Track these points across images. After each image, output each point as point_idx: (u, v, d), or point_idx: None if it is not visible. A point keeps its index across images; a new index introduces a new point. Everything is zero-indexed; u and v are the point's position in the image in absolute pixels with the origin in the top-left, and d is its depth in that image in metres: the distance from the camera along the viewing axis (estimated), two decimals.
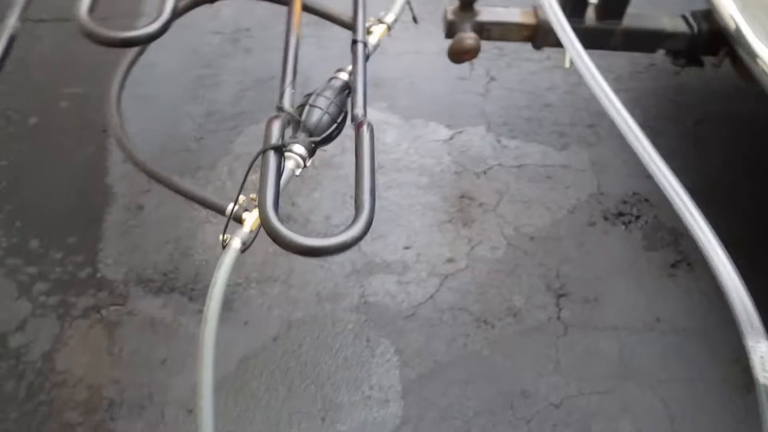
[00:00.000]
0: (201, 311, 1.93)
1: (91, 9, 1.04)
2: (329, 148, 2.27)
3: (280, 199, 1.00)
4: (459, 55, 1.93)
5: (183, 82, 2.48)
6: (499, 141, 2.31)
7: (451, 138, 2.32)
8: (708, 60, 1.92)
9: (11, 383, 1.80)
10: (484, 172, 2.21)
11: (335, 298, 1.93)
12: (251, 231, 1.08)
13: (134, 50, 1.50)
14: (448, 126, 2.35)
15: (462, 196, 2.16)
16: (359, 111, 1.16)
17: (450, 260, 2.00)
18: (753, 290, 1.06)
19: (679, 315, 1.85)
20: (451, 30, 1.94)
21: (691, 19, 1.89)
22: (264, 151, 1.05)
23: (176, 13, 1.08)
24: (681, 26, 1.89)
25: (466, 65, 2.50)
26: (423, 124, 2.36)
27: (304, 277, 1.97)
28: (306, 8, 1.42)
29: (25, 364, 1.83)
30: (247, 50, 2.60)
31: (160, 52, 2.40)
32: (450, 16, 1.93)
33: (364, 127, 1.09)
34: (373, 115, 2.35)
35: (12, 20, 1.14)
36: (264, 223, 0.94)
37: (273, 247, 1.97)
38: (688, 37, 1.88)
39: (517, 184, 2.18)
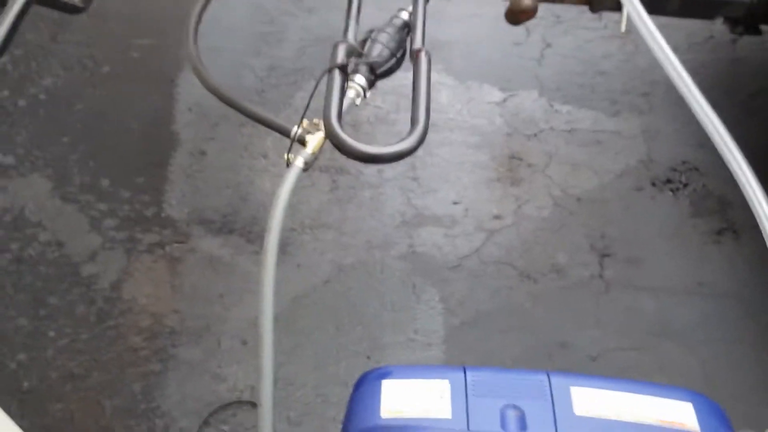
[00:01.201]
0: (257, 252, 2.06)
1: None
2: (384, 105, 2.36)
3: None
4: (516, 15, 1.96)
5: (246, 36, 2.58)
6: (551, 105, 2.34)
7: (504, 101, 2.37)
8: (766, 29, 1.92)
9: (82, 308, 1.94)
10: (535, 135, 2.26)
11: (385, 246, 2.02)
12: (313, 153, 1.16)
13: None
14: (502, 89, 2.40)
15: (512, 157, 2.21)
16: (418, 45, 1.23)
17: (497, 217, 2.06)
18: None
19: (721, 280, 1.88)
20: None
21: None
22: (330, 70, 1.12)
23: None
24: None
25: (522, 31, 2.53)
26: (477, 86, 2.41)
27: (356, 225, 2.06)
28: None
29: (95, 291, 1.98)
30: (310, 9, 2.68)
31: (224, 7, 2.49)
32: None
33: (422, 54, 1.17)
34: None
35: None
36: (328, 131, 1.02)
37: (327, 197, 2.08)
38: (747, 4, 1.88)
39: (567, 148, 2.22)
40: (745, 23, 1.91)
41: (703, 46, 2.50)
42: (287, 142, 2.30)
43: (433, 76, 2.43)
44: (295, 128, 1.20)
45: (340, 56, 1.14)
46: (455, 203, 2.10)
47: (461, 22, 2.59)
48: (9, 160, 2.25)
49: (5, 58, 2.56)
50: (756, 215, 1.19)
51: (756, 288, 1.85)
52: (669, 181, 2.12)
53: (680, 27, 2.35)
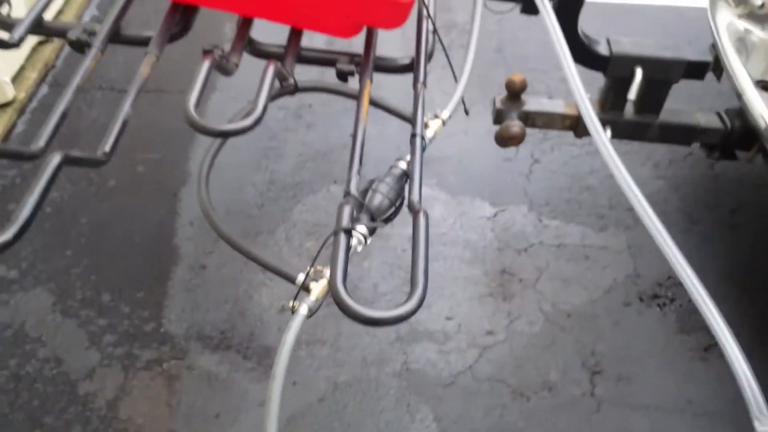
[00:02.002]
0: (254, 368, 2.09)
1: (197, 104, 1.23)
2: None
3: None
4: (505, 140, 2.09)
5: (249, 152, 2.69)
6: (540, 220, 2.43)
7: (495, 215, 2.46)
8: (741, 154, 2.03)
9: (78, 428, 1.95)
10: (525, 250, 2.34)
11: (380, 363, 2.05)
12: (317, 299, 1.22)
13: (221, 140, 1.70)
14: (493, 204, 2.49)
15: (503, 272, 2.28)
16: (415, 197, 1.31)
17: (489, 332, 2.10)
18: None
19: (710, 398, 1.91)
20: (499, 117, 2.10)
21: (725, 116, 2.02)
22: (336, 233, 1.19)
23: (266, 109, 1.26)
24: (715, 122, 2.01)
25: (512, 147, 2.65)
26: (469, 201, 2.51)
27: (351, 341, 2.10)
28: (373, 103, 1.60)
29: (91, 410, 1.99)
30: (309, 125, 2.81)
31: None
32: (498, 105, 2.09)
33: (421, 215, 1.23)
34: (423, 191, 2.52)
35: (125, 107, 1.34)
36: (334, 295, 1.08)
37: (323, 311, 2.11)
38: (722, 132, 2.00)
39: (557, 263, 2.29)
40: (721, 149, 2.03)
41: (683, 163, 2.62)
42: (286, 253, 2.38)
43: (426, 191, 2.55)
44: (301, 276, 1.26)
45: (345, 219, 1.21)
46: (448, 318, 2.14)
47: (452, 138, 2.72)
48: (13, 274, 2.31)
49: (14, 172, 2.67)
50: (718, 341, 1.25)
51: (742, 407, 1.87)
52: (656, 296, 2.18)
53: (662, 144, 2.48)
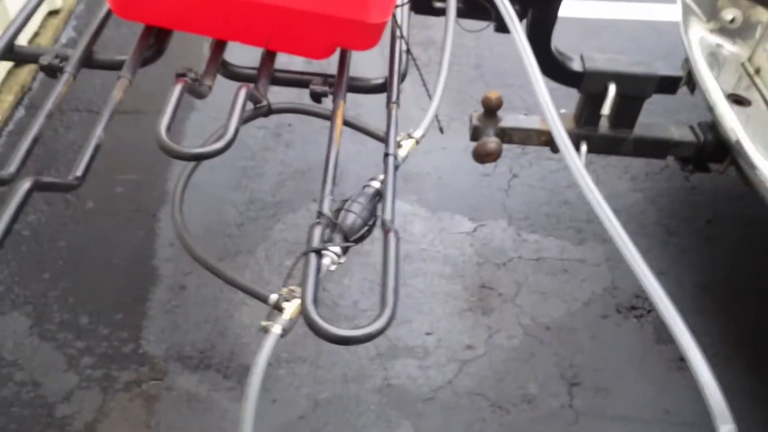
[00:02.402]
0: (234, 388, 2.08)
1: (169, 128, 1.23)
2: None
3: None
4: (482, 157, 2.11)
5: (228, 172, 2.70)
6: (519, 234, 2.45)
7: (474, 230, 2.47)
8: (714, 167, 2.07)
9: None
10: (504, 264, 2.35)
11: (360, 379, 2.05)
12: (290, 319, 1.22)
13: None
14: (472, 219, 2.51)
15: (482, 286, 2.29)
16: (388, 216, 1.32)
17: (469, 347, 2.11)
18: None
19: (687, 408, 1.93)
20: (475, 134, 2.12)
21: (697, 129, 2.05)
22: (307, 253, 1.20)
23: (238, 132, 1.26)
24: (688, 136, 2.05)
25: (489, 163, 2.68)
26: (448, 216, 2.53)
27: (332, 359, 2.10)
28: (346, 123, 1.61)
29: None
30: (288, 144, 2.82)
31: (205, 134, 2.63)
32: (475, 122, 2.12)
33: (391, 235, 1.24)
34: (402, 207, 2.54)
35: (98, 131, 1.34)
36: (305, 315, 1.08)
37: (303, 329, 2.12)
38: (695, 145, 2.03)
39: (535, 276, 2.31)
40: (694, 162, 2.06)
41: (659, 175, 2.65)
42: (266, 272, 2.38)
43: (406, 207, 2.57)
44: (273, 296, 1.26)
45: (316, 239, 1.21)
46: (428, 334, 2.15)
47: (431, 154, 2.74)
48: None
49: None
50: (681, 349, 1.25)
51: None
52: (633, 307, 2.20)
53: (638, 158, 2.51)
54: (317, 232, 1.22)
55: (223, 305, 2.26)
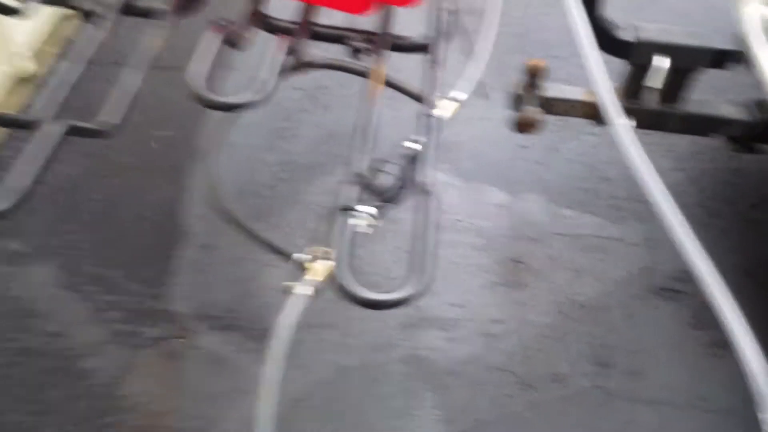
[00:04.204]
0: (259, 350, 2.06)
1: (206, 77, 1.20)
2: None
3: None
4: (523, 127, 2.04)
5: (263, 132, 2.67)
6: (555, 210, 2.38)
7: (509, 203, 2.41)
8: (765, 148, 1.97)
9: (84, 403, 1.95)
10: (539, 239, 2.29)
11: (387, 348, 2.02)
12: (320, 280, 1.19)
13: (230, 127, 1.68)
14: (507, 191, 2.45)
15: (515, 260, 2.24)
16: (427, 179, 1.28)
17: (498, 321, 2.07)
18: None
19: (722, 395, 1.86)
20: (517, 104, 2.05)
21: (751, 108, 1.95)
22: (337, 211, 1.16)
23: (275, 85, 1.22)
24: (740, 114, 1.95)
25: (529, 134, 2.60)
26: (483, 188, 2.47)
27: (360, 326, 2.07)
28: (386, 82, 1.56)
29: (96, 387, 1.99)
30: (325, 107, 2.78)
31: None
32: (517, 91, 2.05)
33: (431, 198, 1.20)
34: (437, 176, 2.48)
35: (136, 79, 1.31)
36: (336, 276, 1.05)
37: (332, 294, 2.10)
38: (747, 124, 1.94)
39: (570, 253, 2.25)
40: (744, 142, 1.97)
41: (704, 155, 2.55)
42: (297, 236, 2.36)
43: (441, 176, 2.51)
44: (298, 255, 1.23)
45: (350, 197, 1.17)
46: (458, 306, 2.11)
47: (470, 124, 2.67)
48: (23, 247, 2.31)
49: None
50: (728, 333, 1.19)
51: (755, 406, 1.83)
52: (671, 290, 2.13)
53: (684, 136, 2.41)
54: (351, 189, 1.19)
55: (251, 266, 2.24)
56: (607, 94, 1.41)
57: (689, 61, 1.85)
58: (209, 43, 1.28)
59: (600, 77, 1.44)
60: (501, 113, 2.46)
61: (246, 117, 2.72)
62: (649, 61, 1.85)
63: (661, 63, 1.81)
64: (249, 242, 2.32)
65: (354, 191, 1.21)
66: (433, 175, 1.27)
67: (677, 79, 1.88)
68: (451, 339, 2.03)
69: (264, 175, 2.52)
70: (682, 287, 2.13)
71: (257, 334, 2.09)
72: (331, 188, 2.54)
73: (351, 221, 1.16)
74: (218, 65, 1.36)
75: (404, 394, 1.91)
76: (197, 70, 1.20)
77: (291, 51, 1.39)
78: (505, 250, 2.27)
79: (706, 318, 2.04)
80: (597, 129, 2.55)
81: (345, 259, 1.07)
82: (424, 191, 1.23)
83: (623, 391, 1.89)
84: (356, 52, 1.48)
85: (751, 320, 2.06)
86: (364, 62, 1.56)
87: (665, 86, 1.89)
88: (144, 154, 2.61)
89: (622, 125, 1.41)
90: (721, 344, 1.97)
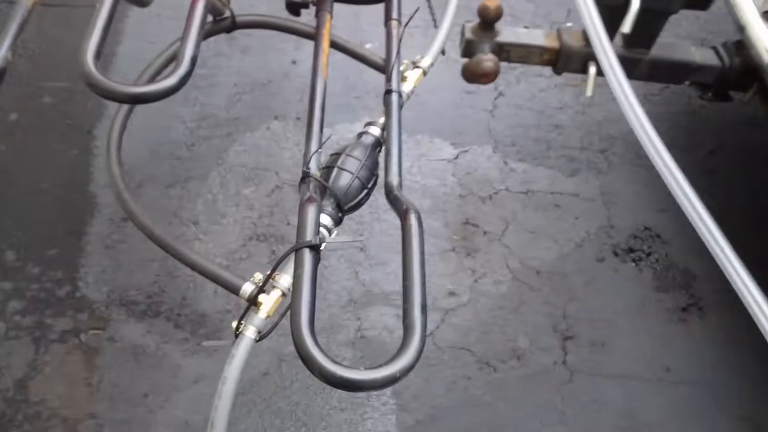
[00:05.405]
0: (187, 339, 1.84)
1: (98, 55, 0.90)
2: None
3: None
4: (476, 77, 1.81)
5: None
6: (506, 163, 2.20)
7: (456, 157, 2.21)
8: (737, 96, 1.82)
9: None
10: (490, 197, 2.11)
11: (331, 330, 1.83)
12: (268, 317, 0.96)
13: None
14: (453, 144, 2.24)
15: (466, 222, 2.06)
16: (394, 180, 1.04)
17: (452, 293, 1.90)
18: None
19: (688, 365, 1.78)
20: (468, 50, 1.82)
21: (722, 52, 1.78)
22: (298, 249, 0.90)
23: (196, 60, 0.94)
24: (711, 59, 1.78)
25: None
26: (427, 140, 2.25)
27: None
28: (334, 45, 1.28)
29: None
30: (244, 50, 2.45)
31: (149, 45, 2.24)
32: (468, 35, 1.81)
33: (411, 217, 0.94)
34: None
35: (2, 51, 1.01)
36: (299, 347, 0.80)
37: (266, 269, 1.88)
38: (718, 70, 1.77)
39: (524, 212, 2.08)
40: (715, 89, 1.81)
41: (658, 98, 2.40)
42: (220, 202, 2.09)
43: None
44: (247, 286, 1.00)
45: (310, 228, 0.91)
46: None
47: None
48: None
49: None
50: (737, 290, 1.09)
51: (722, 374, 1.75)
52: (631, 249, 2.00)
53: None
54: (311, 213, 0.92)
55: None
56: (602, 43, 1.22)
57: (663, 2, 1.65)
58: (102, 5, 0.98)
59: (593, 19, 1.24)
60: (447, 57, 2.22)
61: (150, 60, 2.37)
62: (618, 1, 1.64)
63: (633, 4, 1.60)
64: (166, 212, 2.05)
65: (317, 217, 0.95)
66: (401, 171, 1.04)
67: (647, 21, 1.67)
68: (401, 316, 1.84)
69: (180, 133, 2.22)
70: (642, 246, 2.01)
71: (184, 320, 1.86)
72: (256, 145, 2.28)
73: (316, 262, 0.91)
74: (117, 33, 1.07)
75: None
76: (88, 46, 0.91)
77: (213, 9, 1.10)
78: (454, 211, 2.07)
79: (668, 280, 1.94)
80: (545, 71, 2.35)
81: (307, 317, 0.82)
82: (404, 211, 0.98)
83: (586, 366, 1.77)
84: (294, 6, 1.20)
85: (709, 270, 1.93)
86: (304, 20, 1.28)
87: (633, 30, 1.68)
88: (35, 111, 2.24)
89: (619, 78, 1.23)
90: (686, 308, 1.88)
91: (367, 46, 2.01)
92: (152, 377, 1.74)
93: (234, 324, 0.98)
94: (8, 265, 1.93)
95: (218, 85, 2.36)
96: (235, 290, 1.02)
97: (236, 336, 0.96)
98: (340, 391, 1.72)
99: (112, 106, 2.29)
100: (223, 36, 2.48)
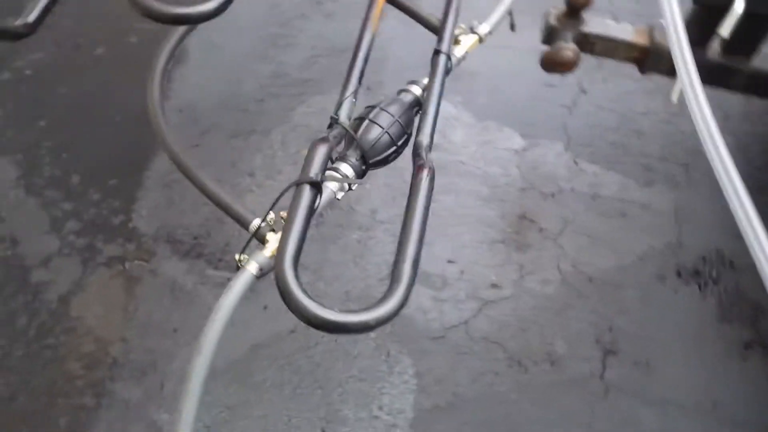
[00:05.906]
0: (223, 284, 1.84)
1: None
2: None
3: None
4: (554, 65, 1.74)
5: (255, 37, 2.36)
6: (576, 162, 2.09)
7: (524, 149, 2.12)
8: None
9: (24, 319, 1.75)
10: (552, 195, 2.01)
11: (364, 300, 1.79)
12: (272, 256, 0.94)
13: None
14: (523, 135, 2.15)
15: (522, 216, 1.97)
16: (425, 140, 0.99)
17: (494, 285, 1.82)
18: None
19: (739, 404, 1.63)
20: (550, 36, 1.74)
21: None
22: (298, 184, 0.88)
23: None
24: None
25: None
26: (496, 127, 2.17)
27: (336, 271, 1.84)
28: (391, 1, 1.26)
29: (40, 302, 1.79)
30: (328, 15, 2.45)
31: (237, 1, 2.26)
32: (552, 21, 1.73)
33: (424, 173, 0.91)
34: (445, 108, 2.18)
35: None
36: (278, 279, 0.78)
37: (310, 231, 1.85)
38: None
39: (586, 215, 1.97)
40: None
41: (756, 118, 2.22)
42: (279, 159, 2.09)
43: (450, 109, 2.20)
44: (256, 222, 0.98)
45: (315, 166, 0.89)
46: (450, 262, 1.86)
47: (490, 51, 2.31)
48: None
49: None
50: None
51: None
52: (697, 273, 1.86)
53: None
54: (320, 153, 0.90)
55: (229, 190, 1.98)
56: (681, 40, 1.12)
57: None
58: None
59: (675, 19, 1.14)
60: (529, 44, 2.13)
61: (235, 15, 2.39)
62: (719, 1, 1.51)
63: (735, 6, 1.47)
64: (226, 160, 2.07)
65: (326, 157, 0.93)
66: (433, 135, 0.99)
67: (750, 26, 1.54)
68: (438, 299, 1.79)
69: (251, 87, 2.23)
70: (710, 271, 1.86)
71: (223, 265, 1.87)
72: (324, 108, 2.25)
73: (313, 200, 0.88)
74: None
75: (377, 355, 1.69)
76: None
77: None
78: (512, 203, 1.99)
79: (734, 311, 1.79)
80: (635, 73, 2.22)
81: (291, 257, 0.80)
82: (420, 161, 0.95)
83: (625, 384, 1.65)
84: None
85: None
86: None
87: (732, 35, 1.55)
88: (121, 48, 2.31)
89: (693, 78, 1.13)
90: (748, 344, 1.73)
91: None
92: (184, 314, 1.76)
93: (237, 256, 0.96)
94: (72, 188, 2.00)
95: (297, 45, 2.36)
96: (245, 224, 1.01)
97: (237, 267, 0.94)
98: (363, 361, 1.69)
99: (193, 50, 2.36)
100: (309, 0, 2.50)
